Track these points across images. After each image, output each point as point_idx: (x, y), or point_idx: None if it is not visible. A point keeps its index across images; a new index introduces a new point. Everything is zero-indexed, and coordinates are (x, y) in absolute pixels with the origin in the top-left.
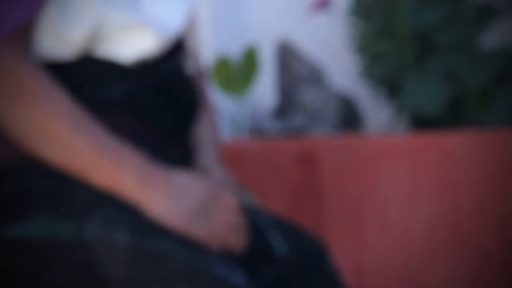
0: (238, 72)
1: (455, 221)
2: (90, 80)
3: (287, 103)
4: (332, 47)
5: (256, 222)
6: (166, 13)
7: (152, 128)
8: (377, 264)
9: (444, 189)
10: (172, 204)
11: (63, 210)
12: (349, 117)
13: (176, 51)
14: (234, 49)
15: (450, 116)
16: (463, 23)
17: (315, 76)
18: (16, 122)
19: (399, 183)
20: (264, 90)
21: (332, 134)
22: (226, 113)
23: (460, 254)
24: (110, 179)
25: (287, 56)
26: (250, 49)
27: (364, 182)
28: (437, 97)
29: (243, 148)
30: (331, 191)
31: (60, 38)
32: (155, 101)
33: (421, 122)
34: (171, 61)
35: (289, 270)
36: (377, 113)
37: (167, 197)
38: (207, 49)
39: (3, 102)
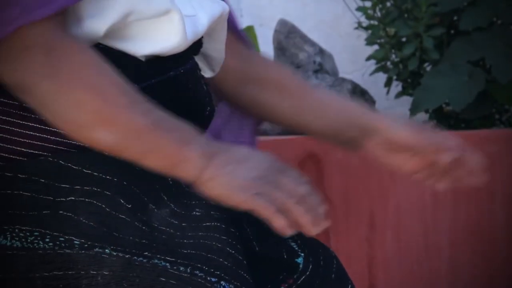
0: None
1: (483, 232)
2: None
3: None
4: (339, 33)
5: (272, 233)
6: (202, 8)
7: None
8: (392, 280)
9: (470, 194)
10: (232, 169)
11: (46, 220)
12: None
13: (195, 50)
14: None
15: (476, 110)
16: (490, 4)
17: (321, 63)
18: (67, 109)
19: (418, 187)
20: None
21: None
22: None
23: (489, 270)
24: (172, 157)
25: (288, 38)
26: (246, 29)
27: (378, 185)
28: (462, 92)
29: None
30: (338, 196)
31: (80, 28)
32: (160, 105)
33: (443, 118)
34: (186, 61)
35: (307, 283)
36: (392, 107)
37: (227, 165)
38: None
39: (51, 86)
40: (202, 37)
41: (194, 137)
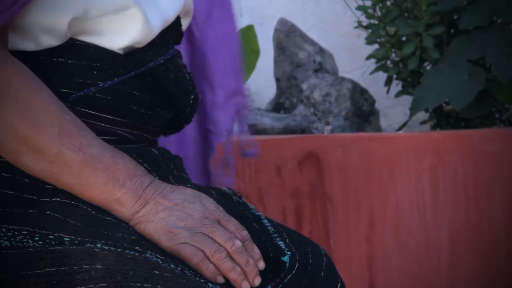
0: None
1: (483, 232)
2: (73, 68)
3: (288, 93)
4: (339, 32)
5: (260, 232)
6: None
7: (136, 128)
8: (391, 279)
9: (469, 194)
10: (164, 217)
11: (33, 219)
12: (361, 111)
13: (176, 39)
14: None
15: (476, 109)
16: (490, 3)
17: (321, 62)
18: None
19: (418, 187)
20: (263, 79)
21: (340, 129)
22: None
23: (490, 270)
24: (103, 198)
25: (288, 37)
26: (246, 28)
27: (377, 185)
28: (462, 91)
29: None
30: (338, 195)
31: (42, 27)
32: (142, 97)
33: (443, 117)
34: (166, 51)
35: (295, 282)
36: (392, 106)
37: (160, 211)
38: None
39: None
40: (181, 26)
41: (132, 178)
